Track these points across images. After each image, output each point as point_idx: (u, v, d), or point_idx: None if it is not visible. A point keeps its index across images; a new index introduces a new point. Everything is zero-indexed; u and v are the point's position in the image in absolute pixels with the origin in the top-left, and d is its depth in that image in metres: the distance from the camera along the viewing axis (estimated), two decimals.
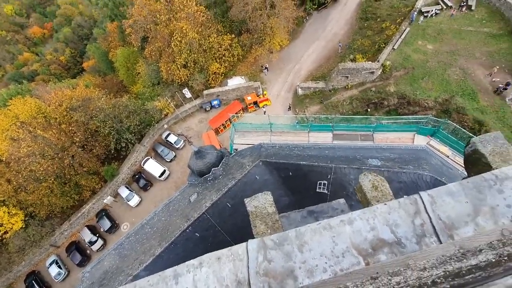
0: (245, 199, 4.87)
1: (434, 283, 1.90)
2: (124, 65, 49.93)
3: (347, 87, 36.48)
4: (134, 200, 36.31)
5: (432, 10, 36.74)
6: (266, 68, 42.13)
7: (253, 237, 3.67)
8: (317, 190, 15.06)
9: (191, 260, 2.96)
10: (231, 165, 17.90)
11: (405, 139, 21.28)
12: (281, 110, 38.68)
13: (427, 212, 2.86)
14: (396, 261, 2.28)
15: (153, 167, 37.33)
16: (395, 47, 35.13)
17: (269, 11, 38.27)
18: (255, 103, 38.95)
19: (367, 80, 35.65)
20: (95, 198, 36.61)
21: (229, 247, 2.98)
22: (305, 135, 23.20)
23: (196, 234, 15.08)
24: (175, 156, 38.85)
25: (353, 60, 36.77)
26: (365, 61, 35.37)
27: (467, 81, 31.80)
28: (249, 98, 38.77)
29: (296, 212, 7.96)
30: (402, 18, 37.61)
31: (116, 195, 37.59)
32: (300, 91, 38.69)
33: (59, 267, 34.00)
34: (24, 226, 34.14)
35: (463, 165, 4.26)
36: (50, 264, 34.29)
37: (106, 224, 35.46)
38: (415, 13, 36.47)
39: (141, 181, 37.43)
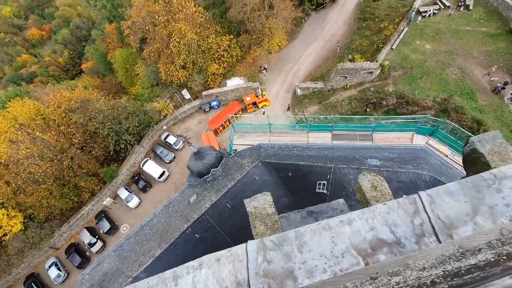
0: (244, 200, 4.86)
1: (433, 283, 1.90)
2: (122, 67, 49.92)
3: (345, 87, 36.54)
4: (134, 201, 36.25)
5: (430, 10, 36.84)
6: (265, 68, 42.16)
7: (252, 238, 3.67)
8: (317, 190, 15.06)
9: (191, 262, 2.96)
10: (231, 166, 17.89)
11: (404, 139, 21.30)
12: (280, 110, 38.70)
13: (426, 212, 2.86)
14: (396, 261, 2.28)
15: (152, 168, 37.29)
16: (394, 47, 35.21)
17: (267, 11, 38.31)
18: (254, 103, 38.97)
19: (366, 80, 35.71)
20: (94, 200, 36.53)
21: (229, 248, 2.97)
22: (304, 136, 23.20)
23: (196, 235, 15.06)
24: (174, 157, 38.82)
25: (352, 60, 36.84)
26: (363, 61, 35.45)
27: (466, 81, 31.90)
28: (248, 98, 38.79)
29: (295, 213, 7.96)
30: (400, 18, 37.71)
31: (116, 196, 37.52)
32: (299, 92, 38.73)
33: (59, 269, 33.90)
34: (23, 228, 34.06)
35: (462, 165, 4.27)
36: (50, 266, 34.19)
37: (105, 225, 35.39)
38: (413, 13, 36.58)
39: (140, 182, 37.38)
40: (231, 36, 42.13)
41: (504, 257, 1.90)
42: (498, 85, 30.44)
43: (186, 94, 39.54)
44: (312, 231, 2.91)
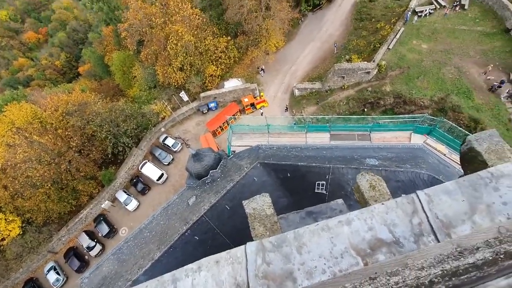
0: (243, 201, 4.86)
1: (431, 282, 1.91)
2: (120, 69, 49.84)
3: (343, 87, 36.64)
4: (132, 204, 36.12)
5: (426, 10, 37.06)
6: (262, 69, 42.22)
7: (252, 239, 3.66)
8: (316, 190, 15.08)
9: (190, 264, 2.95)
10: (229, 167, 17.87)
11: (402, 138, 21.35)
12: (278, 111, 38.74)
13: (424, 211, 2.87)
14: (395, 260, 2.29)
15: (150, 171, 37.19)
16: (390, 47, 35.37)
17: (264, 13, 38.40)
18: (252, 104, 38.99)
19: (363, 80, 35.84)
20: (93, 203, 36.37)
21: (228, 250, 2.97)
22: (303, 136, 23.21)
23: (195, 237, 15.03)
24: (172, 159, 38.74)
25: (349, 60, 36.96)
26: (360, 61, 35.57)
27: (462, 80, 32.07)
28: (246, 100, 38.80)
29: (294, 213, 7.95)
30: (397, 18, 37.90)
31: (114, 199, 37.37)
32: (296, 92, 38.79)
33: (57, 273, 33.68)
34: (21, 232, 33.84)
35: (459, 163, 4.29)
36: (48, 271, 33.97)
37: (104, 229, 35.23)
38: (409, 13, 36.77)
39: (139, 185, 37.26)
40: (228, 38, 42.18)
41: (502, 256, 1.91)
42: (495, 83, 30.62)
43: (184, 96, 39.49)
44: (311, 232, 2.91)
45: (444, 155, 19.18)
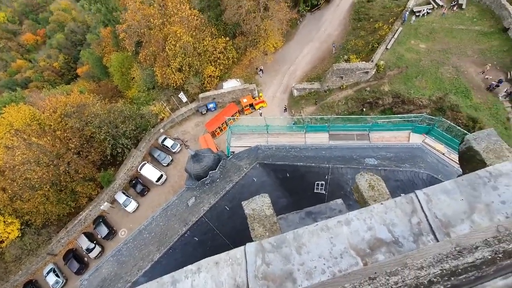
0: (242, 202, 4.86)
1: (430, 282, 1.91)
2: (118, 70, 49.77)
3: (342, 87, 36.69)
4: (132, 205, 36.05)
5: (423, 10, 37.16)
6: (261, 70, 42.23)
7: (252, 240, 3.66)
8: (315, 190, 15.08)
9: (189, 266, 2.95)
10: (229, 168, 17.86)
11: (401, 138, 21.36)
12: (277, 111, 38.76)
13: (423, 211, 2.87)
14: (394, 260, 2.29)
15: (150, 172, 37.13)
16: (388, 46, 35.45)
17: (262, 13, 38.43)
18: (251, 105, 39.00)
19: (362, 80, 35.89)
20: (92, 205, 36.28)
21: (227, 251, 2.97)
22: (302, 136, 23.19)
23: (195, 238, 15.00)
24: (172, 160, 38.69)
25: (347, 60, 37.01)
26: (359, 61, 35.63)
27: (460, 79, 32.16)
28: (245, 100, 38.81)
29: (294, 214, 7.95)
30: (395, 18, 37.99)
31: (113, 201, 37.30)
32: (295, 92, 38.82)
33: (57, 275, 33.58)
34: (20, 235, 33.72)
35: (458, 162, 4.30)
36: (48, 273, 33.85)
37: (103, 230, 35.14)
38: (407, 12, 36.86)
39: (138, 186, 37.19)
40: (227, 38, 42.19)
41: (501, 255, 1.92)
42: (493, 83, 30.72)
43: (182, 97, 39.48)
44: (310, 233, 2.91)
45: (443, 154, 19.21)
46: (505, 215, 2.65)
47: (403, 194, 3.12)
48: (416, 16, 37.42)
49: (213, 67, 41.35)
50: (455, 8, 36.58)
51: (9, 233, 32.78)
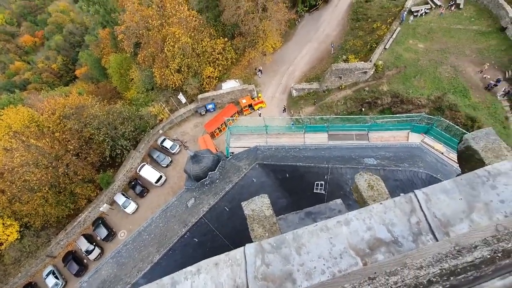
0: (242, 203, 4.86)
1: (429, 282, 1.91)
2: (117, 72, 49.71)
3: (340, 87, 36.74)
4: (131, 207, 35.98)
5: (421, 10, 37.27)
6: (260, 70, 42.26)
7: (251, 241, 3.65)
8: (315, 191, 15.08)
9: (189, 267, 2.94)
10: (228, 169, 17.84)
11: (400, 138, 21.41)
12: (276, 112, 38.78)
13: (422, 210, 2.87)
14: (394, 260, 2.29)
15: (149, 173, 37.08)
16: (387, 46, 35.52)
17: (261, 14, 38.48)
18: (250, 105, 39.00)
19: (360, 80, 35.94)
20: (91, 207, 36.19)
21: (227, 252, 2.96)
22: (301, 136, 23.21)
23: (195, 239, 14.98)
24: (171, 161, 38.64)
25: (346, 60, 37.09)
26: (357, 61, 35.70)
27: (458, 78, 32.25)
28: (244, 101, 38.81)
29: (293, 214, 7.95)
30: (393, 18, 38.09)
31: (112, 202, 37.22)
32: (294, 93, 38.85)
33: (56, 277, 33.47)
34: (19, 237, 33.59)
35: (457, 162, 4.30)
36: (47, 275, 33.73)
37: (102, 232, 35.06)
38: (405, 12, 36.97)
39: (137, 187, 37.13)
40: (226, 39, 42.21)
41: (500, 254, 1.92)
42: (491, 82, 30.81)
43: (181, 97, 39.45)
44: (310, 233, 2.91)
45: (442, 153, 19.25)
46: (504, 214, 2.65)
47: (402, 194, 3.12)
48: (414, 16, 37.52)
49: (212, 68, 41.35)
50: (453, 8, 36.71)
51: (8, 235, 32.66)
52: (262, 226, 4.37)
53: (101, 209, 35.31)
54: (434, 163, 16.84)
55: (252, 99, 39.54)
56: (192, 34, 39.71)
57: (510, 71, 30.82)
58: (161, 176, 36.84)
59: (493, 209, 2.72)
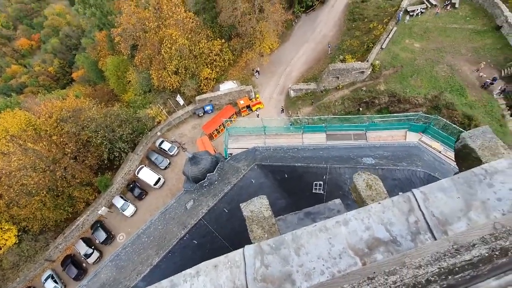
0: (241, 204, 4.85)
1: (428, 281, 1.91)
2: (114, 74, 49.59)
3: (338, 87, 36.84)
4: (129, 209, 35.84)
5: (417, 9, 37.48)
6: (257, 71, 42.30)
7: (250, 242, 3.65)
8: (313, 191, 15.09)
9: (188, 269, 2.93)
10: (226, 170, 17.82)
11: (397, 137, 21.51)
12: (274, 112, 38.81)
13: (420, 209, 2.88)
14: (392, 259, 2.29)
15: (147, 176, 36.96)
16: (383, 46, 35.68)
17: (258, 15, 38.54)
18: (248, 106, 39.00)
19: (358, 80, 36.07)
20: (89, 210, 36.02)
21: (226, 254, 2.96)
22: (299, 137, 23.27)
23: (194, 241, 14.94)
24: (169, 163, 38.56)
25: (343, 60, 37.20)
26: (354, 61, 35.83)
27: (455, 77, 32.43)
28: (241, 102, 38.81)
29: (292, 215, 7.95)
30: (389, 18, 38.26)
31: (111, 205, 37.07)
32: (292, 93, 38.91)
33: (55, 282, 33.26)
34: (17, 241, 33.37)
35: (454, 160, 4.32)
36: (46, 279, 33.52)
37: (101, 235, 34.88)
38: (401, 12, 37.16)
39: (135, 190, 37.00)
40: (223, 40, 42.23)
41: (497, 252, 1.93)
42: (487, 80, 31.01)
43: (179, 99, 39.40)
44: (308, 233, 2.91)
45: (439, 152, 19.34)
46: (501, 212, 2.67)
47: (400, 193, 3.13)
48: (410, 15, 37.72)
49: (209, 69, 41.34)
50: (448, 7, 36.94)
51: (6, 240, 32.42)
52: (261, 227, 4.37)
53: (99, 212, 35.14)
54: (431, 162, 16.91)
55: (250, 100, 39.56)
56: (189, 36, 39.71)
57: (506, 70, 31.04)
58: (159, 178, 36.73)
59: (491, 207, 2.73)
